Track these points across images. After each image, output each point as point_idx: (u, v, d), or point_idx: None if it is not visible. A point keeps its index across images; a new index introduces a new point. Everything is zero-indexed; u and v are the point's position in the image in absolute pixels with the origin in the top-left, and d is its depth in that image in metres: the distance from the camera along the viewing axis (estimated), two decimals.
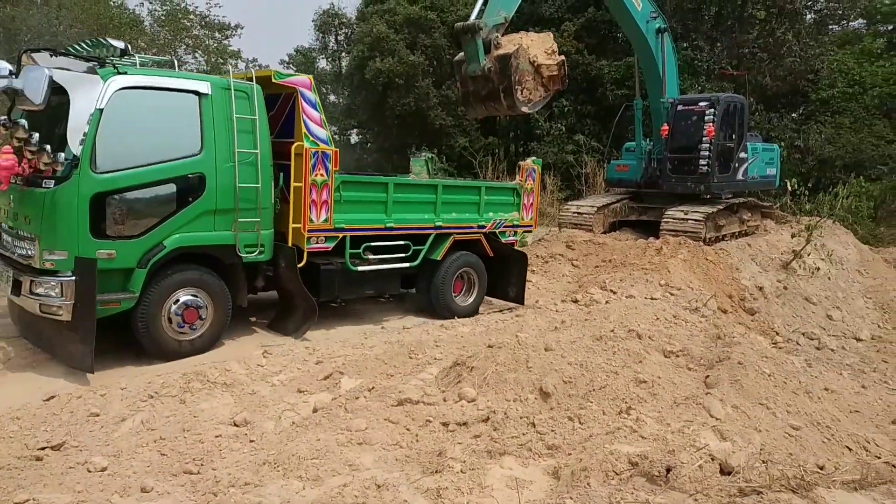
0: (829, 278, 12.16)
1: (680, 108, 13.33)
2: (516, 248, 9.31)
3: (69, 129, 5.41)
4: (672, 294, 9.39)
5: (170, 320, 6.04)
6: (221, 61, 23.35)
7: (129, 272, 5.78)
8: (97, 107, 5.46)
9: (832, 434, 4.66)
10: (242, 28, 24.53)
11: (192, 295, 6.15)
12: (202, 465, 3.89)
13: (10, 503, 3.27)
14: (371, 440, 4.05)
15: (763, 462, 3.47)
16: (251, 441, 4.24)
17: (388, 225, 7.56)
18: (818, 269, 12.15)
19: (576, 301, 8.98)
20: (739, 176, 13.74)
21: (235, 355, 6.06)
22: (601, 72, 21.56)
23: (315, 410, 4.71)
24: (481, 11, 8.78)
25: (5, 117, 5.39)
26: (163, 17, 20.76)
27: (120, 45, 5.98)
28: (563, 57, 9.03)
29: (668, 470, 3.41)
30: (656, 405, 4.56)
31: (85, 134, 5.41)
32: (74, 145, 5.40)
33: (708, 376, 5.13)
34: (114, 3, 20.31)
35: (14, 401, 4.83)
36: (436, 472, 3.65)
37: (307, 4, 51.51)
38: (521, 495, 3.47)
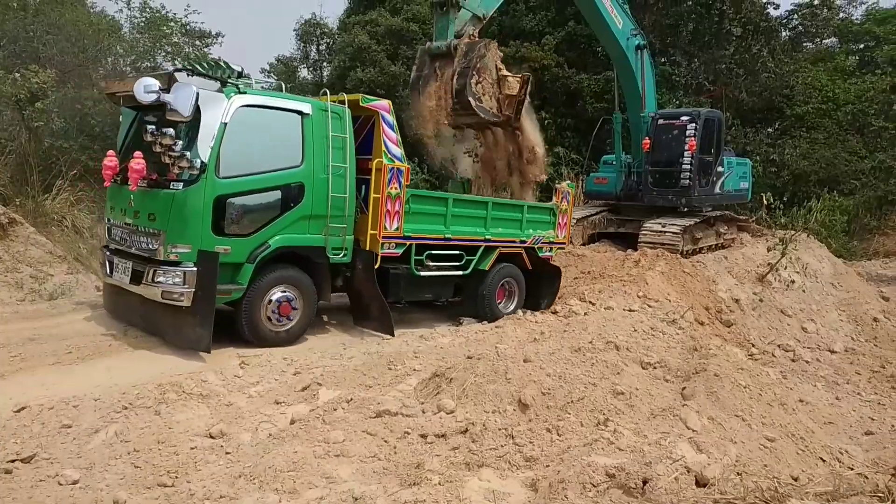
0: (803, 291, 12.35)
1: (661, 122, 13.52)
2: (552, 262, 9.97)
3: (199, 139, 6.17)
4: (650, 306, 9.46)
5: (268, 312, 6.77)
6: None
7: (239, 267, 6.53)
8: (222, 121, 6.25)
9: (806, 445, 4.73)
10: (223, 36, 24.38)
11: (288, 291, 6.89)
12: (177, 477, 3.84)
13: None
14: (349, 452, 4.02)
15: (738, 474, 3.51)
16: (227, 453, 4.20)
17: (447, 236, 8.29)
18: (793, 282, 12.33)
19: (555, 312, 9.02)
20: (717, 189, 13.93)
21: (210, 365, 5.99)
22: (581, 85, 21.77)
23: (292, 422, 4.66)
24: None
25: (153, 126, 6.05)
26: (142, 24, 20.56)
27: (237, 67, 6.81)
28: (525, 80, 9.15)
29: (645, 482, 3.43)
30: (633, 417, 4.58)
31: (211, 144, 6.17)
32: (203, 153, 6.14)
33: (685, 388, 5.17)
34: (92, 9, 20.10)
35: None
36: (414, 484, 3.63)
37: (288, 13, 51.58)
38: None
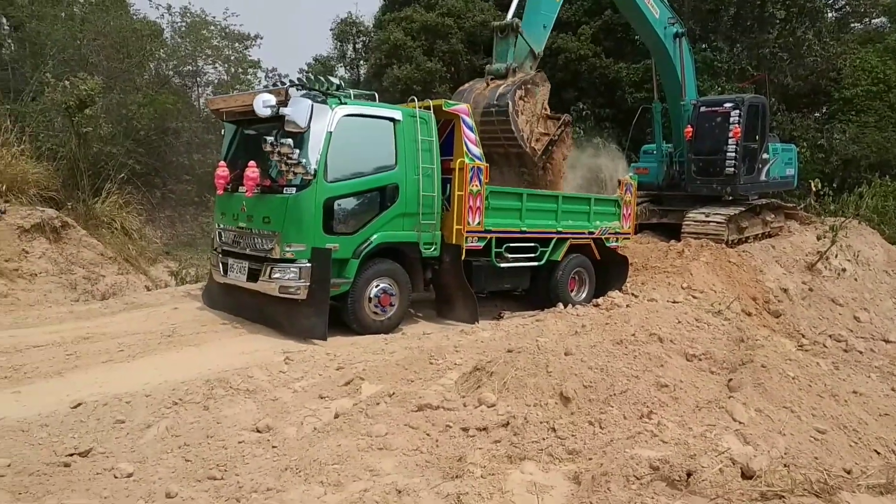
0: (855, 279, 11.97)
1: (703, 109, 13.22)
2: (619, 252, 10.25)
3: (310, 147, 6.78)
4: (694, 297, 9.31)
5: (370, 303, 7.33)
6: (241, 71, 23.60)
7: (346, 262, 7.13)
8: (328, 129, 6.86)
9: (859, 437, 4.59)
10: (261, 38, 24.77)
11: (387, 283, 7.46)
12: (225, 470, 3.93)
13: None
14: (391, 445, 4.07)
15: (785, 466, 3.43)
16: (273, 447, 4.27)
17: (522, 229, 8.75)
18: (844, 270, 11.97)
19: (596, 305, 8.94)
20: (762, 177, 13.58)
21: (255, 361, 6.11)
22: (619, 75, 21.46)
23: (336, 416, 4.72)
24: (516, 12, 9.46)
25: (272, 137, 6.67)
26: (183, 29, 21.04)
27: (336, 80, 7.47)
28: (565, 122, 9.68)
29: (689, 474, 3.39)
30: (678, 409, 4.52)
31: (319, 151, 6.79)
32: (314, 160, 6.74)
33: (731, 380, 5.08)
34: (135, 15, 20.65)
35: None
36: (456, 477, 3.65)
37: (325, 14, 52.17)
38: (541, 500, 3.47)
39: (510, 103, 8.84)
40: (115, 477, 3.82)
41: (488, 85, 9.35)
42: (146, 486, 3.68)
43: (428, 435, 4.23)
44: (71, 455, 4.08)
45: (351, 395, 5.20)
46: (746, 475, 3.41)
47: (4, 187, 10.65)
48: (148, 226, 14.31)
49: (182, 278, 11.61)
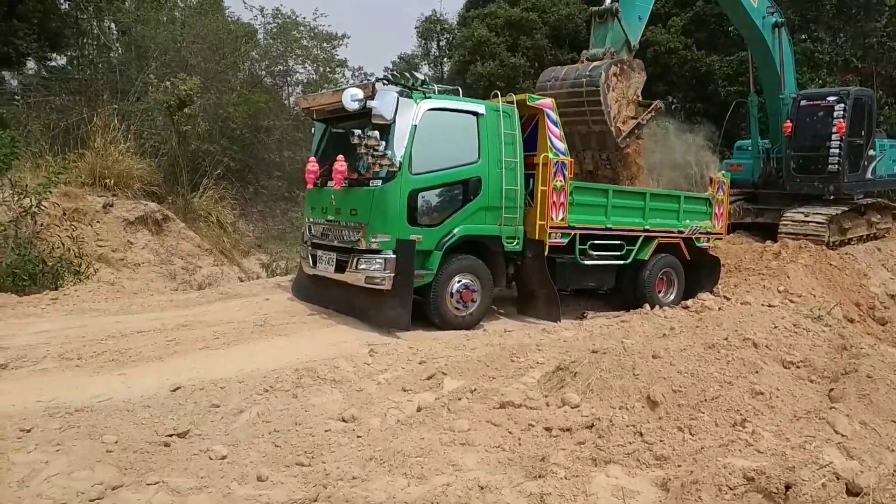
0: None
1: (804, 103, 12.52)
2: (710, 253, 9.96)
3: (395, 140, 6.94)
4: (792, 301, 8.84)
5: (452, 298, 7.40)
6: (329, 70, 24.20)
7: (429, 254, 7.24)
8: (412, 123, 7.02)
9: None
10: (348, 37, 25.34)
11: (469, 279, 7.50)
12: (313, 457, 4.05)
13: (143, 484, 3.54)
14: (474, 441, 4.07)
15: None
16: (358, 437, 4.37)
17: (608, 226, 8.59)
18: None
19: (685, 307, 8.64)
20: (868, 175, 12.74)
21: (341, 352, 6.26)
22: (711, 67, 20.64)
23: (419, 409, 4.78)
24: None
25: (359, 130, 6.82)
26: (275, 30, 21.77)
27: (420, 76, 7.68)
28: (655, 108, 9.46)
29: (788, 487, 3.21)
30: (774, 418, 4.30)
31: (405, 144, 6.94)
32: (399, 152, 6.90)
33: (832, 389, 4.79)
34: (230, 18, 21.55)
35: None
36: (539, 476, 3.61)
37: (410, 12, 52.80)
38: None
39: (603, 75, 8.69)
40: (210, 458, 4.00)
41: (583, 63, 9.26)
42: (239, 469, 3.84)
43: (510, 433, 4.21)
44: (170, 435, 4.30)
45: (433, 389, 5.25)
46: (852, 492, 3.21)
47: (112, 182, 11.37)
48: (241, 220, 14.94)
49: (272, 270, 12.07)
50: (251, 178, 17.24)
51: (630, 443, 3.98)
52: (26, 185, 9.21)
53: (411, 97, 7.12)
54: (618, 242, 8.79)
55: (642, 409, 4.40)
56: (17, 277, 8.44)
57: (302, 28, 22.71)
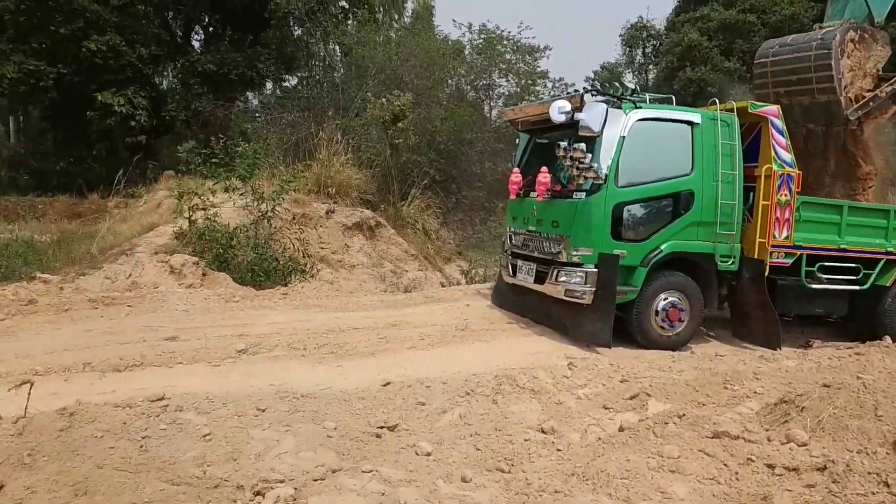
0: None
1: None
2: None
3: (602, 152, 6.77)
4: None
5: (656, 316, 7.09)
6: (531, 82, 24.46)
7: (633, 270, 6.97)
8: (620, 134, 6.80)
9: None
10: (550, 49, 25.41)
11: (676, 297, 7.15)
12: (512, 465, 4.07)
13: (358, 471, 3.79)
14: (684, 470, 3.82)
15: None
16: (558, 450, 4.31)
17: (841, 246, 7.78)
18: None
19: None
20: None
21: (540, 363, 6.25)
22: None
23: (621, 429, 4.61)
24: None
25: (565, 142, 6.79)
26: (480, 46, 22.50)
27: (631, 85, 7.41)
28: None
29: None
30: None
31: (611, 156, 6.75)
32: (605, 164, 6.73)
33: None
34: (439, 36, 22.66)
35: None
36: None
37: (613, 21, 51.75)
38: None
39: (838, 37, 7.79)
40: (417, 454, 4.19)
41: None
42: (444, 467, 3.97)
43: (726, 465, 3.89)
44: (381, 427, 4.58)
45: (636, 409, 5.05)
46: None
47: (334, 190, 12.48)
48: (443, 228, 15.60)
49: (471, 277, 12.44)
50: (453, 188, 17.94)
51: (873, 493, 3.48)
52: (262, 192, 10.40)
53: (620, 107, 6.92)
54: (853, 265, 7.87)
55: (887, 456, 3.82)
56: (255, 273, 9.57)
57: (506, 42, 23.26)
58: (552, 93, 24.75)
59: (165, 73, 25.65)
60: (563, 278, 7.01)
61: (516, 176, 7.92)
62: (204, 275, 9.12)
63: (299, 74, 25.74)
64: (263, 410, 4.65)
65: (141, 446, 3.87)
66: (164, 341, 6.30)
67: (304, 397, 5.00)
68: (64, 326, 6.85)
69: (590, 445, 4.37)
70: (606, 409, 5.10)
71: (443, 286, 10.73)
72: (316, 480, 3.68)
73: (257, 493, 3.47)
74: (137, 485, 3.35)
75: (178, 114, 20.80)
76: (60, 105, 20.81)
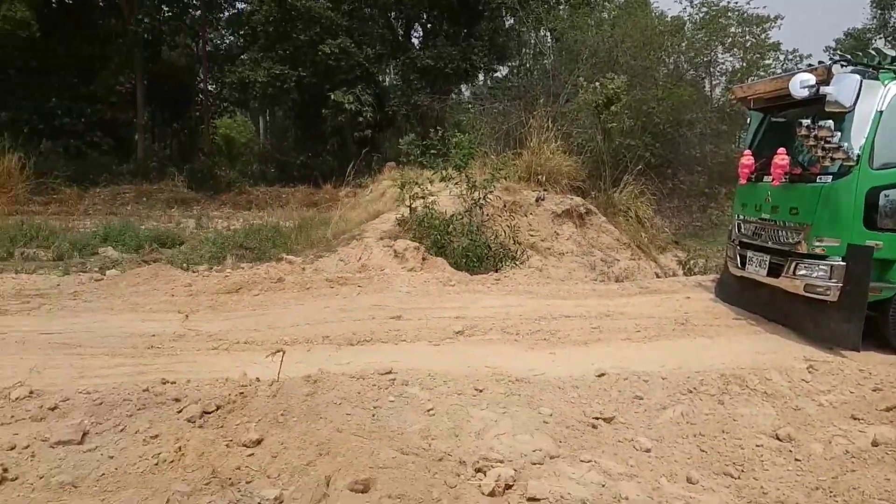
0: None
1: None
2: None
3: (853, 129, 6.04)
4: None
5: None
6: (758, 56, 22.36)
7: (890, 264, 6.18)
8: (878, 109, 6.02)
9: None
10: (782, 18, 22.96)
11: None
12: (742, 470, 3.80)
13: (577, 459, 3.78)
14: None
15: None
16: (797, 460, 3.94)
17: None
18: None
19: None
20: None
21: (773, 363, 5.70)
22: None
23: (875, 444, 4.06)
24: None
25: (808, 120, 6.16)
26: (702, 20, 21.02)
27: (892, 52, 6.48)
28: None
29: None
30: None
31: (865, 134, 6.00)
32: (857, 143, 6.02)
33: None
34: (655, 13, 21.54)
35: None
36: None
37: None
38: None
39: None
40: (635, 449, 4.07)
41: None
42: (666, 466, 3.81)
43: None
44: (597, 418, 4.50)
45: (893, 423, 4.40)
46: None
47: (544, 178, 12.49)
48: (658, 215, 14.90)
49: (690, 268, 11.74)
50: (669, 173, 17.05)
51: None
52: (475, 181, 10.73)
53: (877, 78, 6.01)
54: None
55: None
56: (469, 259, 9.94)
57: (730, 14, 21.47)
58: (784, 66, 22.44)
59: (388, 71, 27.59)
60: (802, 272, 6.33)
61: (748, 158, 7.27)
62: (424, 259, 9.67)
63: (510, 64, 26.15)
64: (481, 391, 4.80)
65: (373, 415, 4.22)
66: (389, 319, 6.80)
67: (519, 381, 5.07)
68: (306, 303, 7.68)
69: (835, 458, 3.92)
70: (855, 419, 4.52)
71: (658, 277, 10.25)
72: (534, 464, 3.73)
73: (478, 471, 3.61)
74: (372, 450, 3.66)
75: (399, 108, 22.28)
76: (300, 105, 23.39)
